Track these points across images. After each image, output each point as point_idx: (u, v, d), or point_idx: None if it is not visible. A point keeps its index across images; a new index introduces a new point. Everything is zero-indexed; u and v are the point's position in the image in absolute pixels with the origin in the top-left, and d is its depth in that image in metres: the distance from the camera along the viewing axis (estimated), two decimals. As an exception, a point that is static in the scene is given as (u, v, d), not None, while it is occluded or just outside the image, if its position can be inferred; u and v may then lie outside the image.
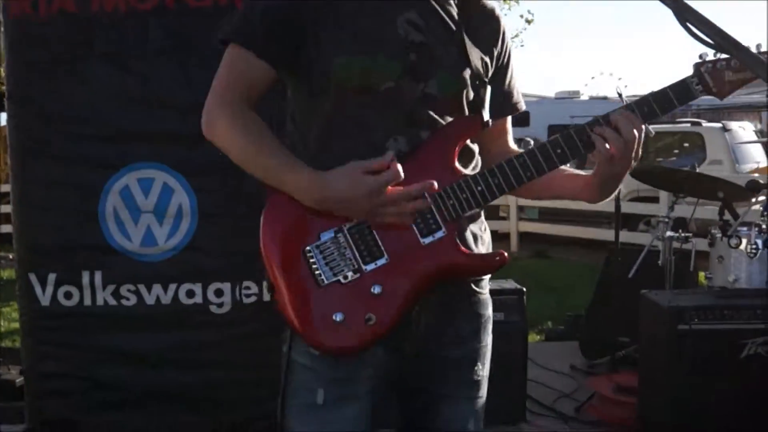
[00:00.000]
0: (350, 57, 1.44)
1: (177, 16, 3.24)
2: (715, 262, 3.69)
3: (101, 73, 3.25)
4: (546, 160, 1.46)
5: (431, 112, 1.49)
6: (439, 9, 1.53)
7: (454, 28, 1.53)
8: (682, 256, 4.00)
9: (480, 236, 1.58)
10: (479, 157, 1.60)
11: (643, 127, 1.45)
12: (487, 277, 1.63)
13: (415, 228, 1.44)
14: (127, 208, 3.26)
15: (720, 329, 3.02)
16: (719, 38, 0.97)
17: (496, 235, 4.89)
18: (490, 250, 1.59)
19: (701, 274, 4.58)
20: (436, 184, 1.42)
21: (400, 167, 1.39)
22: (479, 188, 1.46)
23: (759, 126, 11.49)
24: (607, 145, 1.43)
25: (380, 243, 1.44)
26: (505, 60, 1.66)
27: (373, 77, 1.45)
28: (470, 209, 1.47)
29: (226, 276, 3.26)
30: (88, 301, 3.25)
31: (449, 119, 1.50)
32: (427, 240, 1.45)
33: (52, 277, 3.25)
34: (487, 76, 1.58)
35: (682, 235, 3.80)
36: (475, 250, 1.54)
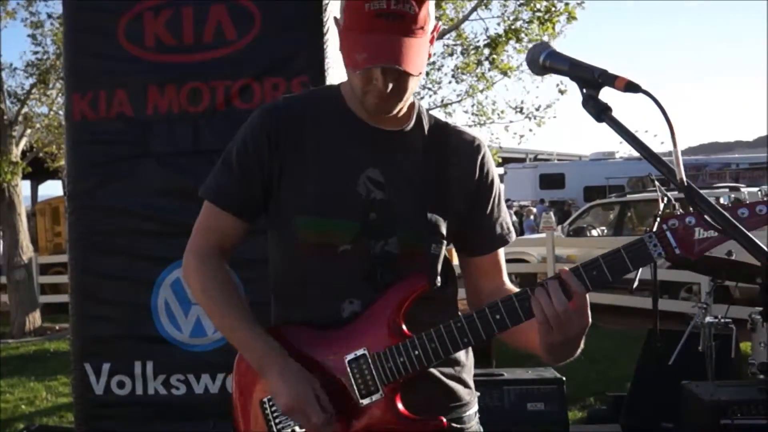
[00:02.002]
0: (309, 217, 1.51)
1: (226, 117, 3.44)
2: (758, 347, 3.67)
3: (156, 172, 3.45)
4: (484, 327, 1.42)
5: (390, 270, 1.51)
6: (405, 162, 1.54)
7: (419, 180, 1.53)
8: (724, 341, 3.98)
9: (452, 372, 1.58)
10: (448, 304, 1.60)
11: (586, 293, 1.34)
12: (472, 410, 1.62)
13: (355, 389, 1.48)
14: (177, 300, 3.41)
15: (763, 424, 3.00)
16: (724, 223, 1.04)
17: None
18: (471, 374, 1.62)
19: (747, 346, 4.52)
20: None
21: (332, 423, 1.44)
22: (416, 353, 1.45)
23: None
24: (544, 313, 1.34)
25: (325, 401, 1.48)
26: (487, 188, 1.63)
27: (332, 237, 1.51)
28: (407, 373, 1.46)
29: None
30: (140, 391, 3.38)
31: (409, 275, 1.50)
32: (365, 401, 1.48)
33: (106, 367, 3.39)
34: (459, 217, 1.58)
35: (722, 321, 3.80)
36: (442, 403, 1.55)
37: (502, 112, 12.98)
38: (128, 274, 3.44)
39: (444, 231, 1.56)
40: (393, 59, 1.38)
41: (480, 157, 1.62)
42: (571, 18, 10.60)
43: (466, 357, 1.63)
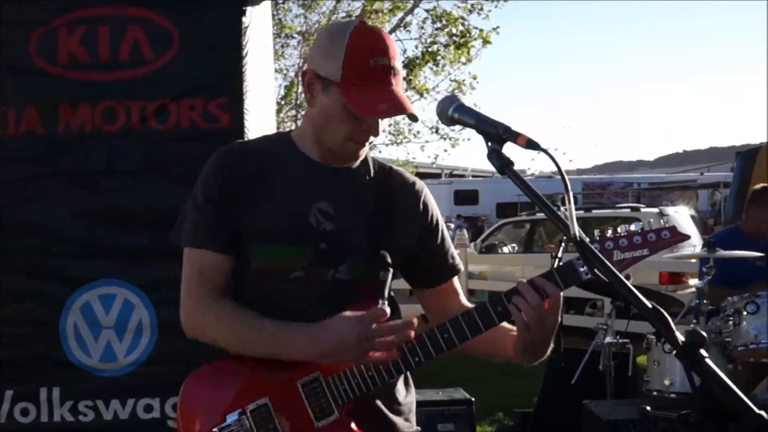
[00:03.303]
0: (264, 245, 1.61)
1: (142, 138, 3.40)
2: (652, 366, 3.90)
3: (67, 192, 3.37)
4: (433, 344, 1.52)
5: (342, 296, 1.60)
6: (353, 195, 1.67)
7: (366, 212, 1.65)
8: (622, 359, 4.21)
9: (394, 407, 1.67)
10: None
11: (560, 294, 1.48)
12: (412, 413, 1.73)
13: (310, 411, 1.54)
14: (87, 324, 3.33)
15: (656, 440, 3.20)
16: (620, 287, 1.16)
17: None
18: (412, 411, 1.72)
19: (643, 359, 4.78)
20: (415, 320, 1.54)
21: (387, 308, 1.52)
22: (369, 373, 1.54)
23: (691, 211, 12.07)
24: (523, 315, 1.46)
25: (278, 426, 1.55)
26: (434, 226, 1.76)
27: (285, 263, 1.61)
28: (362, 393, 1.55)
29: (184, 390, 3.32)
30: (45, 418, 3.27)
31: (363, 301, 1.59)
32: (321, 423, 1.55)
33: (9, 394, 3.27)
34: (407, 250, 1.70)
35: (620, 341, 4.02)
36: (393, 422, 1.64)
37: (418, 132, 13.29)
38: (36, 295, 3.33)
39: (390, 261, 1.67)
40: (403, 108, 1.57)
41: (423, 197, 1.76)
42: (485, 42, 10.96)
43: (406, 394, 1.72)
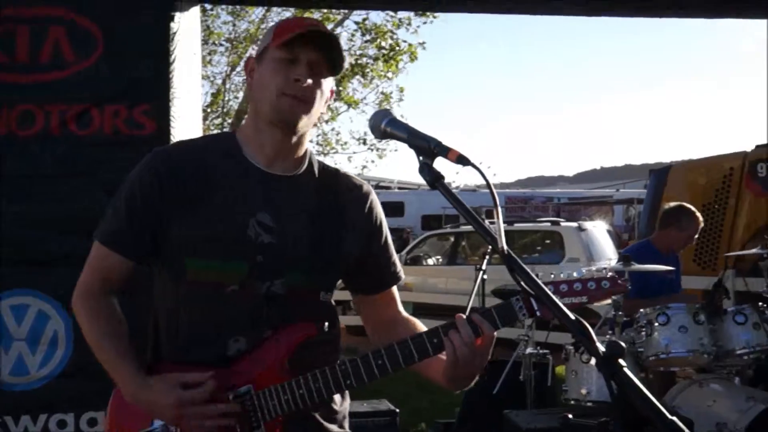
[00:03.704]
0: (199, 258, 1.58)
1: (60, 142, 3.29)
2: (571, 376, 4.02)
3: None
4: (366, 370, 1.51)
5: (277, 310, 1.59)
6: (295, 205, 1.64)
7: (310, 223, 1.63)
8: (542, 369, 4.33)
9: (331, 416, 1.67)
10: (333, 345, 1.69)
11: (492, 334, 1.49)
12: (346, 419, 1.74)
13: (237, 427, 1.54)
14: (-2, 335, 3.18)
15: (574, 448, 3.30)
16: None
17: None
18: (346, 418, 1.73)
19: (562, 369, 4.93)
20: (224, 407, 1.52)
21: (210, 385, 1.51)
22: (300, 391, 1.53)
23: (608, 226, 12.54)
24: (455, 350, 1.47)
25: None
26: (379, 232, 1.76)
27: (221, 277, 1.58)
28: (290, 410, 1.54)
29: (101, 405, 3.20)
30: (-52, 435, 3.10)
31: (298, 314, 1.59)
32: None
33: None
34: (351, 258, 1.69)
35: (540, 351, 4.13)
36: None
37: (345, 143, 13.37)
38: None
39: (335, 272, 1.67)
40: (321, 31, 1.56)
41: (369, 201, 1.74)
42: (413, 57, 11.14)
43: (342, 401, 1.72)
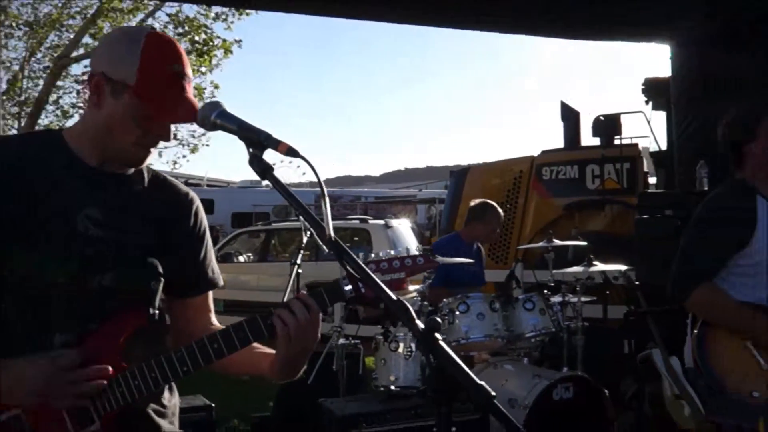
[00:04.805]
0: (25, 253, 1.53)
1: None
2: (380, 364, 4.23)
3: None
4: (202, 355, 1.53)
5: (106, 304, 1.58)
6: (125, 202, 1.65)
7: (138, 220, 1.65)
8: (354, 360, 4.51)
9: (160, 411, 1.69)
10: (164, 336, 1.71)
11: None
12: (176, 415, 1.77)
13: (68, 421, 1.51)
14: None
15: (385, 430, 3.49)
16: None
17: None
18: (176, 414, 1.76)
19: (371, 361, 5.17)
20: (110, 369, 1.51)
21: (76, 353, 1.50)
22: (136, 382, 1.54)
23: (412, 224, 13.23)
24: (286, 326, 1.52)
25: None
26: (201, 237, 1.79)
27: (50, 272, 1.54)
28: (126, 402, 1.54)
29: None
30: None
31: (130, 310, 1.60)
32: None
33: None
34: (175, 258, 1.70)
35: (352, 342, 4.30)
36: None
37: (156, 137, 12.71)
38: None
39: (161, 269, 1.67)
40: (194, 117, 1.54)
41: (195, 208, 1.78)
42: (227, 52, 10.95)
43: (170, 396, 1.73)
